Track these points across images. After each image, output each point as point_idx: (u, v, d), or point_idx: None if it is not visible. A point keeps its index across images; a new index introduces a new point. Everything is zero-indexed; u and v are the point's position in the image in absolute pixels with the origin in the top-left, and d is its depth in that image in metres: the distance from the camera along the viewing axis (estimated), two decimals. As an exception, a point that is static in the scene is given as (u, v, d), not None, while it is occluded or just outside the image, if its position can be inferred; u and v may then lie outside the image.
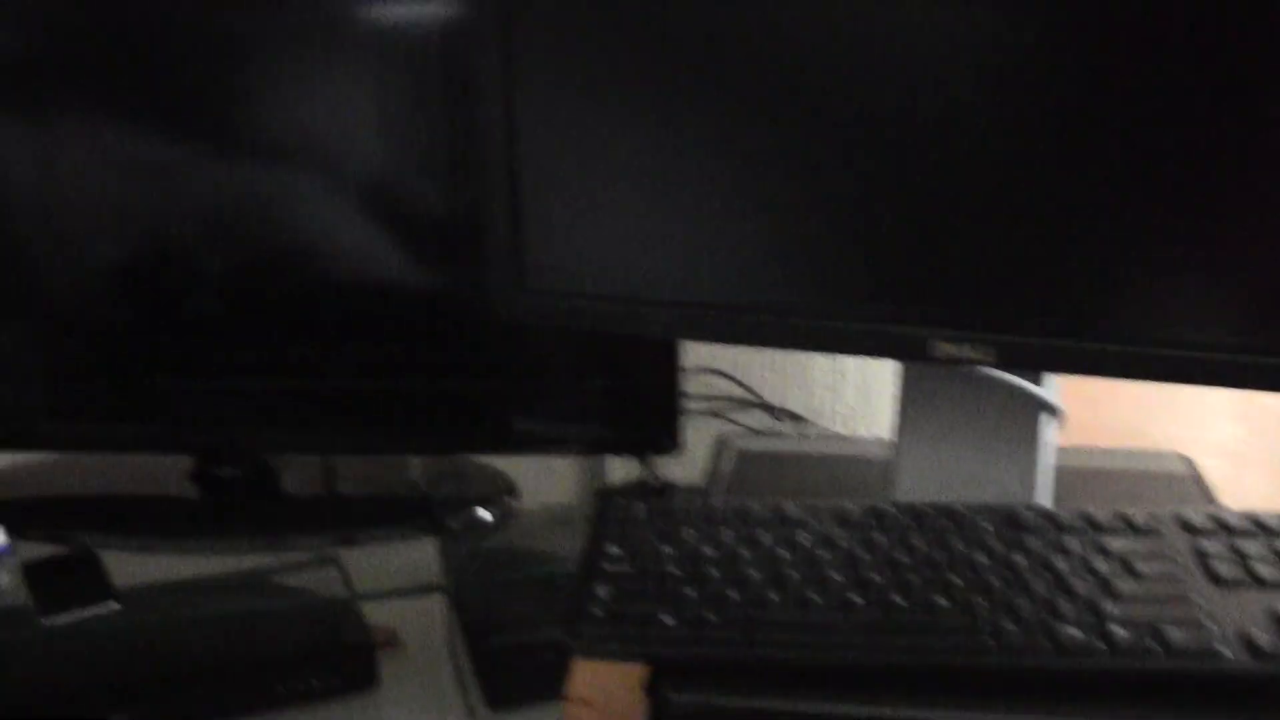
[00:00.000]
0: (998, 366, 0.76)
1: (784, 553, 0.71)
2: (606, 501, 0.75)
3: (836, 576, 0.69)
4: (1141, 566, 0.70)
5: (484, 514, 1.13)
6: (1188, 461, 0.94)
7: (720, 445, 0.93)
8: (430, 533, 1.11)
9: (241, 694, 1.12)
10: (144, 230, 1.07)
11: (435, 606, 1.12)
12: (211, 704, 1.11)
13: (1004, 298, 0.75)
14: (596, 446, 1.13)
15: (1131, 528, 0.73)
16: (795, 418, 1.23)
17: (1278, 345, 0.71)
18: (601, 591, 0.68)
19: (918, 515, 0.75)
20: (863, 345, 0.78)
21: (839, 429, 1.28)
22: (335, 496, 1.17)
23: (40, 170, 1.06)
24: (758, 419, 1.24)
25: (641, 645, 0.65)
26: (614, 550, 0.72)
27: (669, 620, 0.66)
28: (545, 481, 1.22)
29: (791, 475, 0.91)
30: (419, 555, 1.10)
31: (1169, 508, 0.75)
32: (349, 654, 1.14)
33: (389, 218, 1.07)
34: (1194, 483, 0.91)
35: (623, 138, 0.78)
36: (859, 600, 0.68)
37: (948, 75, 0.72)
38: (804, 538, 0.73)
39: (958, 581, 0.69)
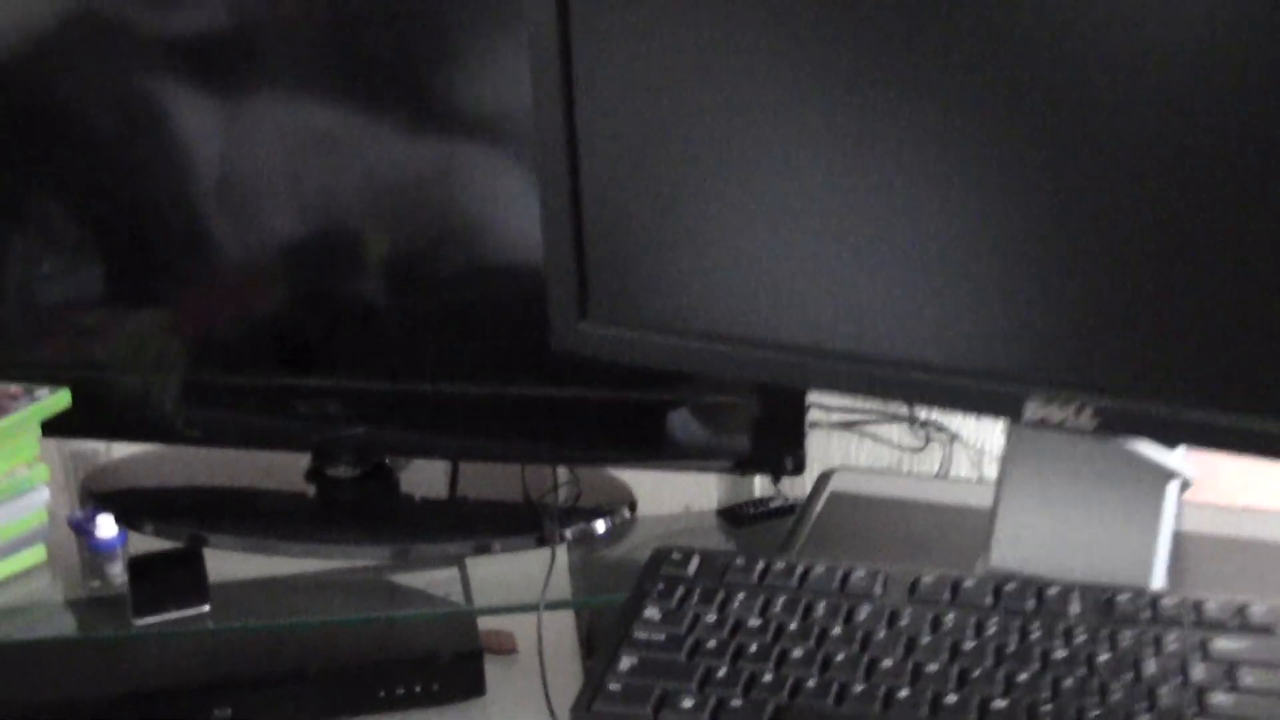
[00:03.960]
0: (1098, 433, 0.69)
1: (837, 628, 0.67)
2: (657, 555, 0.72)
3: (888, 661, 0.65)
4: (1247, 678, 0.63)
5: (600, 526, 1.10)
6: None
7: (817, 485, 0.88)
8: (544, 544, 1.09)
9: (344, 697, 1.13)
10: (305, 210, 1.08)
11: (551, 614, 1.10)
12: (313, 706, 1.12)
13: (1108, 357, 0.68)
14: (722, 465, 1.09)
15: (1245, 625, 0.66)
16: (942, 429, 1.16)
17: None
18: (625, 663, 0.65)
19: (999, 591, 0.69)
20: (951, 400, 0.72)
21: (993, 446, 1.21)
22: (451, 501, 1.17)
23: (216, 155, 1.07)
24: (898, 432, 1.18)
25: (653, 729, 0.62)
26: (652, 613, 0.69)
27: (687, 703, 0.62)
28: (676, 487, 1.19)
29: (886, 523, 0.86)
30: (540, 561, 1.09)
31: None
32: (456, 662, 1.14)
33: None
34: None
35: (697, 157, 0.74)
36: (905, 693, 0.63)
37: (1057, 124, 0.65)
38: (865, 610, 0.68)
39: (1024, 678, 0.63)
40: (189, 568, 1.05)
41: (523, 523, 1.12)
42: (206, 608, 1.00)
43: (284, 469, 1.17)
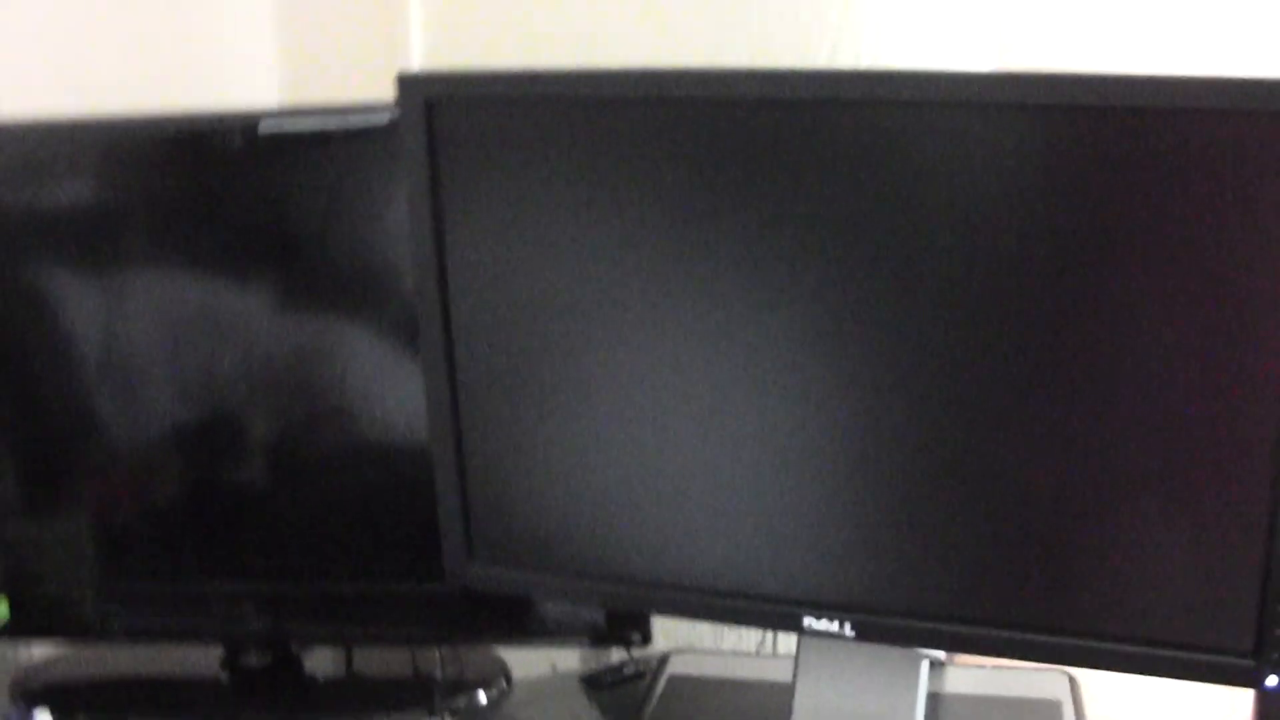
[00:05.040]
0: (858, 640, 0.92)
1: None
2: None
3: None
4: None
5: (481, 697, 1.30)
6: (1071, 682, 1.08)
7: (659, 666, 1.10)
8: (433, 715, 1.28)
9: None
10: (188, 393, 1.22)
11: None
12: None
13: (864, 584, 0.90)
14: (581, 640, 1.29)
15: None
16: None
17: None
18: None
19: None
20: (753, 621, 0.94)
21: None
22: (351, 680, 1.35)
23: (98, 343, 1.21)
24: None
25: None
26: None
27: None
28: (544, 652, 1.38)
29: (713, 698, 1.08)
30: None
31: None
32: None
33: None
34: (1068, 708, 1.06)
35: (551, 406, 0.96)
36: None
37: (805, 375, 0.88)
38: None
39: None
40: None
41: (413, 697, 1.31)
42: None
43: (201, 658, 1.35)
